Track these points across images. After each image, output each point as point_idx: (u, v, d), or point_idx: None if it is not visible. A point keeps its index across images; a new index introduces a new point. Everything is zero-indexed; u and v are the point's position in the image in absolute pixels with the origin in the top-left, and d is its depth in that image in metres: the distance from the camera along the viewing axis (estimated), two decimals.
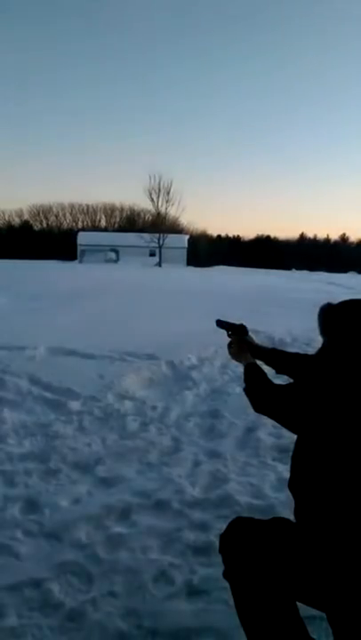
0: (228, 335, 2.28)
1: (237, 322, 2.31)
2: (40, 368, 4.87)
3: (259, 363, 2.01)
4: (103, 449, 3.46)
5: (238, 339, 2.23)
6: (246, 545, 1.57)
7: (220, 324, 2.35)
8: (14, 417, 3.81)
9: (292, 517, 1.70)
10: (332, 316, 1.62)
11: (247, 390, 1.82)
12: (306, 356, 2.12)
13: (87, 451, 3.41)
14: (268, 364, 2.17)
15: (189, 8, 76.28)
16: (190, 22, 79.03)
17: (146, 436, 3.70)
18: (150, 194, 41.65)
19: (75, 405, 4.09)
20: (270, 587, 1.48)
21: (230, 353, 2.20)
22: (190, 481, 3.08)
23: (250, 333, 2.30)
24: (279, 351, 2.20)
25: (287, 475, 3.16)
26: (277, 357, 2.17)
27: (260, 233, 67.07)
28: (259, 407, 1.73)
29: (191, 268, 34.24)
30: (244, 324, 2.29)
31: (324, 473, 1.51)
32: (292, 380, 2.04)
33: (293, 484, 1.68)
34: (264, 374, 1.83)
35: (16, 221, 62.06)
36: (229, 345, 2.22)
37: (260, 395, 1.74)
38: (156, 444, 3.58)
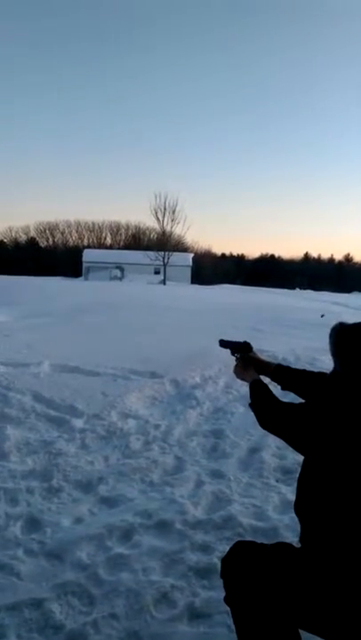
0: (233, 354, 2.28)
1: (241, 340, 2.31)
2: (44, 385, 4.87)
3: (265, 380, 2.00)
4: (106, 468, 3.45)
5: (243, 357, 2.22)
6: (248, 570, 1.55)
7: (224, 343, 2.34)
8: (17, 434, 3.80)
9: (295, 541, 1.69)
10: (345, 338, 1.59)
11: (253, 406, 1.81)
12: (313, 373, 2.10)
13: (90, 469, 3.40)
14: (274, 380, 2.16)
15: (184, 9, 77.82)
16: (200, 41, 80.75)
17: (149, 455, 3.69)
18: (156, 212, 41.98)
19: (78, 423, 4.09)
20: (272, 613, 1.46)
21: (235, 371, 2.19)
22: (193, 501, 3.06)
23: (254, 350, 2.29)
24: (285, 367, 2.18)
25: (291, 497, 3.15)
26: (284, 374, 2.15)
27: (264, 252, 67.47)
28: (265, 423, 1.72)
29: (195, 287, 34.35)
30: (248, 341, 2.29)
31: (333, 497, 1.49)
32: (298, 397, 2.04)
33: (300, 507, 1.65)
34: (270, 391, 1.82)
35: (22, 238, 62.71)
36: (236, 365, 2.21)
37: (266, 411, 1.73)
38: (159, 463, 3.56)
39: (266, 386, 1.87)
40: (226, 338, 2.36)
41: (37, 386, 4.82)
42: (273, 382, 2.12)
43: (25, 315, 8.75)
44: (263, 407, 1.75)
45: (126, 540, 2.67)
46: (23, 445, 3.65)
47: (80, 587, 2.31)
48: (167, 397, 5.09)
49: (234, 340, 2.32)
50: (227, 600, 1.61)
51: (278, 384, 2.15)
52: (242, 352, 2.24)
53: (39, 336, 6.96)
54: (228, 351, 2.32)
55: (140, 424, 4.24)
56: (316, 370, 2.15)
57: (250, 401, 1.85)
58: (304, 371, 2.15)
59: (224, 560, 1.68)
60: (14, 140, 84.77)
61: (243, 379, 2.12)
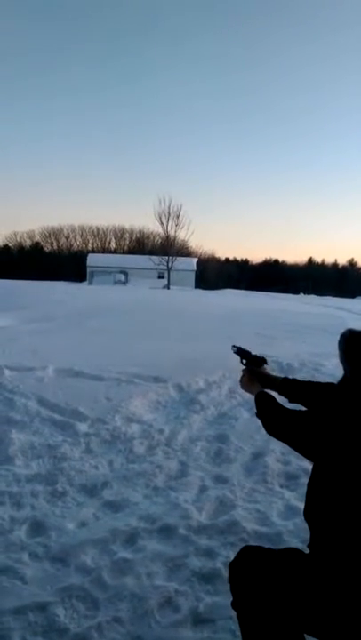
0: (242, 363, 2.28)
1: (259, 354, 2.28)
2: (48, 389, 4.89)
3: (272, 393, 2.00)
4: (110, 472, 3.46)
5: (250, 369, 2.22)
6: (256, 575, 1.55)
7: (239, 351, 2.33)
8: (22, 438, 3.81)
9: (300, 546, 1.68)
10: (355, 344, 1.59)
11: (259, 415, 1.82)
12: (320, 384, 2.10)
13: (94, 473, 3.41)
14: (281, 394, 2.16)
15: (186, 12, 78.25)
16: (197, 49, 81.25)
17: (153, 459, 3.70)
18: (160, 217, 42.00)
19: (82, 427, 4.10)
20: (279, 619, 1.46)
21: (241, 383, 2.19)
22: (197, 506, 3.07)
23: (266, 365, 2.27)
24: (291, 380, 2.18)
25: (295, 502, 3.16)
26: (290, 387, 2.15)
27: (268, 257, 67.45)
28: (272, 430, 1.72)
29: (199, 291, 34.37)
30: (265, 357, 2.27)
31: (343, 503, 1.48)
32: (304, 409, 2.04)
33: (309, 514, 1.65)
34: (274, 399, 1.83)
35: (27, 242, 62.97)
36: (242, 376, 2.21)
37: (272, 418, 1.73)
38: (163, 467, 3.57)
39: (271, 396, 1.88)
40: (237, 344, 2.36)
41: (42, 390, 4.83)
42: (280, 396, 2.12)
43: (30, 319, 8.77)
44: (269, 414, 1.75)
45: (130, 545, 2.67)
46: (28, 449, 3.67)
47: (84, 591, 2.32)
48: (171, 402, 5.10)
49: (251, 351, 2.31)
50: (234, 605, 1.61)
51: (286, 397, 2.15)
52: (251, 364, 2.24)
53: (44, 340, 6.99)
54: (237, 357, 2.31)
55: (144, 428, 4.24)
56: (321, 375, 2.16)
57: (256, 411, 1.86)
58: (311, 382, 2.15)
59: (232, 565, 1.68)
60: (19, 145, 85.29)
61: (248, 391, 2.12)
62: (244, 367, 2.25)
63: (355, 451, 1.44)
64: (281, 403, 1.84)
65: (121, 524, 2.82)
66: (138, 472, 3.45)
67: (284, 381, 2.17)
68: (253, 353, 2.30)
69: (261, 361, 2.25)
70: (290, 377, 2.23)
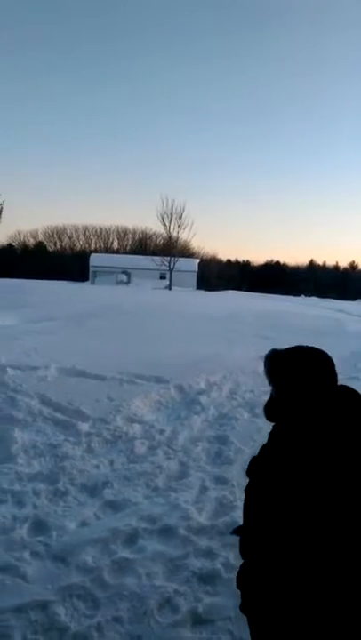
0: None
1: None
2: (51, 388, 4.91)
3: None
4: (111, 472, 3.48)
5: None
6: (269, 579, 1.49)
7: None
8: (24, 437, 3.84)
9: None
10: (279, 364, 1.54)
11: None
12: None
13: (95, 473, 3.43)
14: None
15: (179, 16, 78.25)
16: (198, 50, 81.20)
17: (154, 459, 3.71)
18: (163, 218, 41.88)
19: (84, 427, 4.12)
20: (293, 625, 1.43)
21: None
22: (197, 507, 3.08)
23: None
24: None
25: None
26: None
27: (269, 258, 67.36)
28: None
29: (201, 292, 34.40)
30: None
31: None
32: None
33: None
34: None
35: (31, 242, 62.99)
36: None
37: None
38: (164, 468, 3.58)
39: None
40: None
41: (44, 389, 4.85)
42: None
43: (33, 318, 8.80)
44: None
45: (131, 545, 2.69)
46: (30, 448, 3.69)
47: (85, 590, 2.33)
48: (172, 402, 5.12)
49: None
50: (243, 609, 1.57)
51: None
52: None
53: (47, 340, 7.01)
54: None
55: (145, 429, 4.26)
56: None
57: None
58: None
59: (240, 573, 1.63)
60: (22, 145, 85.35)
61: None
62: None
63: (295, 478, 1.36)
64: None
65: (121, 524, 2.84)
66: (139, 472, 3.47)
67: None
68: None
69: None
70: None
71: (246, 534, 1.52)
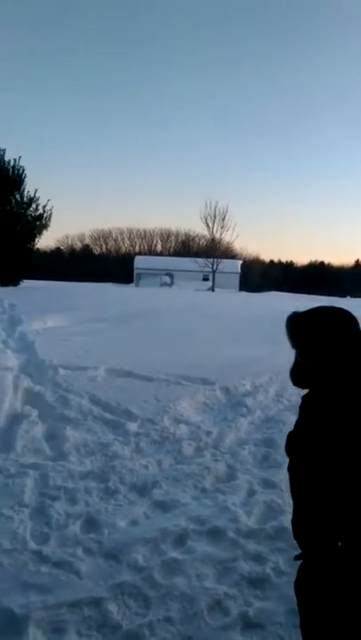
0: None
1: None
2: (100, 388, 5.01)
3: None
4: (159, 472, 3.51)
5: None
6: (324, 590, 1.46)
7: None
8: (76, 435, 3.94)
9: None
10: (301, 325, 1.50)
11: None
12: None
13: (144, 473, 3.47)
14: None
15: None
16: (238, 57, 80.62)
17: (201, 461, 3.72)
18: (206, 219, 41.90)
19: (132, 427, 4.18)
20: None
21: None
22: (245, 510, 3.06)
23: None
24: None
25: None
26: None
27: (313, 259, 66.04)
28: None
29: (244, 293, 34.12)
30: None
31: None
32: None
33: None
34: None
35: (78, 245, 64.56)
36: None
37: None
38: (211, 469, 3.58)
39: None
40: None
41: (94, 389, 4.96)
42: None
43: (81, 320, 9.00)
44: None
45: (180, 545, 2.71)
46: (81, 446, 3.78)
47: (136, 588, 2.37)
48: (218, 404, 5.11)
49: None
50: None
51: None
52: None
53: (95, 341, 7.15)
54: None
55: (191, 430, 4.28)
56: None
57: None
58: None
59: (297, 582, 1.59)
60: (70, 150, 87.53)
61: None
62: None
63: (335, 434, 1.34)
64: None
65: (170, 524, 2.86)
66: (186, 473, 3.49)
67: None
68: None
69: None
70: None
71: (298, 514, 1.49)
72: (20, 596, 2.24)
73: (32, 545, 2.60)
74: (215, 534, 2.81)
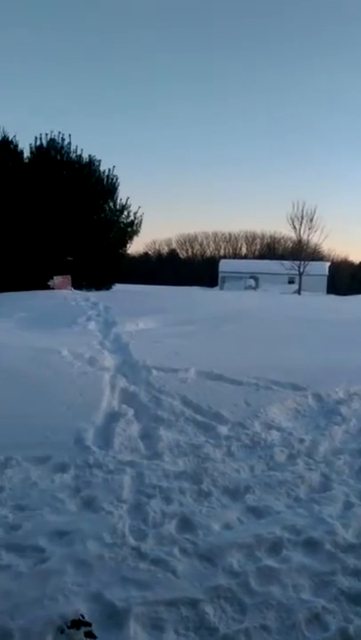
0: None
1: None
2: (191, 390, 5.07)
3: None
4: (252, 477, 3.48)
5: None
6: None
7: None
8: (169, 436, 4.02)
9: None
10: None
11: None
12: None
13: (236, 477, 3.46)
14: None
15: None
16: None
17: (294, 469, 3.63)
18: (293, 221, 40.95)
19: (223, 430, 4.19)
20: None
21: None
22: (342, 523, 2.94)
23: None
24: None
25: None
26: None
27: None
28: None
29: (332, 297, 32.87)
30: None
31: None
32: None
33: None
34: None
35: (165, 250, 66.15)
36: None
37: None
38: (305, 478, 3.49)
39: None
40: None
41: (185, 391, 5.03)
42: None
43: (170, 322, 9.19)
44: None
45: (275, 554, 2.66)
46: (174, 447, 3.85)
47: (232, 593, 2.36)
48: (310, 411, 4.96)
49: None
50: None
51: None
52: None
53: (184, 343, 7.25)
54: None
55: (283, 436, 4.19)
56: None
57: None
58: None
59: None
60: (157, 157, 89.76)
61: None
62: None
63: None
64: None
65: (265, 531, 2.81)
66: (279, 480, 3.42)
67: None
68: None
69: None
70: None
71: None
72: (120, 589, 2.32)
73: (131, 540, 2.68)
74: (312, 545, 2.73)
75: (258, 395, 5.11)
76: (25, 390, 4.97)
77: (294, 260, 40.85)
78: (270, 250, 62.21)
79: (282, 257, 48.23)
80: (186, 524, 2.87)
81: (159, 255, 64.89)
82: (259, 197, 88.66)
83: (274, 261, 47.49)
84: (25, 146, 17.60)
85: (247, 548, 2.67)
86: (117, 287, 19.25)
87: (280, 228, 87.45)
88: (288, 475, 3.52)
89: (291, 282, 44.16)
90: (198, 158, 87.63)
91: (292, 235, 42.86)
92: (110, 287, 18.54)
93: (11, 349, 6.20)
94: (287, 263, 41.44)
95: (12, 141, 17.21)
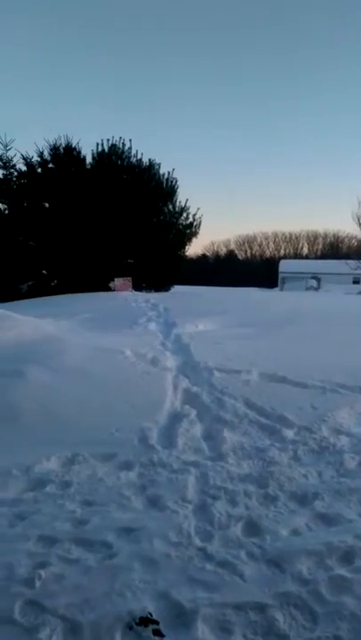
0: None
1: None
2: (254, 392, 4.99)
3: None
4: (320, 483, 3.35)
5: None
6: None
7: None
8: (233, 438, 3.97)
9: None
10: None
11: None
12: None
13: (303, 482, 3.35)
14: None
15: None
16: None
17: None
18: (358, 218, 39.48)
19: (289, 434, 4.08)
20: None
21: None
22: None
23: None
24: None
25: None
26: None
27: None
28: None
29: None
30: None
31: None
32: None
33: None
34: None
35: (223, 251, 65.99)
36: None
37: None
38: None
39: None
40: None
41: (248, 393, 4.96)
42: None
43: (230, 324, 9.11)
44: None
45: (347, 563, 2.54)
46: (238, 449, 3.79)
47: (302, 600, 2.28)
48: None
49: None
50: None
51: None
52: None
53: (245, 344, 7.16)
54: None
55: (353, 442, 4.02)
56: None
57: None
58: None
59: None
60: (218, 159, 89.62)
61: None
62: None
63: None
64: None
65: (336, 539, 2.70)
66: (350, 488, 3.28)
67: None
68: None
69: None
70: None
71: None
72: (187, 589, 2.31)
73: (197, 541, 2.67)
74: None
75: (324, 398, 4.94)
76: (90, 389, 5.08)
77: (360, 259, 39.42)
78: (333, 249, 60.46)
79: (346, 256, 46.66)
80: (252, 528, 2.81)
81: (217, 256, 64.78)
82: (321, 196, 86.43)
83: (337, 261, 46.04)
84: (87, 152, 18.13)
85: (317, 555, 2.58)
86: (176, 289, 19.36)
87: (344, 226, 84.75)
88: (360, 482, 3.37)
89: (356, 282, 42.66)
90: (258, 159, 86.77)
91: (358, 233, 41.42)
92: (169, 289, 18.70)
93: (76, 349, 6.36)
94: (352, 262, 40.01)
95: (74, 148, 17.77)
